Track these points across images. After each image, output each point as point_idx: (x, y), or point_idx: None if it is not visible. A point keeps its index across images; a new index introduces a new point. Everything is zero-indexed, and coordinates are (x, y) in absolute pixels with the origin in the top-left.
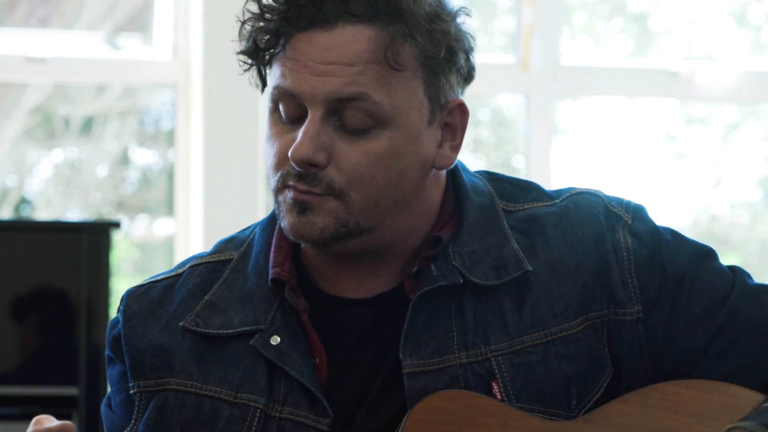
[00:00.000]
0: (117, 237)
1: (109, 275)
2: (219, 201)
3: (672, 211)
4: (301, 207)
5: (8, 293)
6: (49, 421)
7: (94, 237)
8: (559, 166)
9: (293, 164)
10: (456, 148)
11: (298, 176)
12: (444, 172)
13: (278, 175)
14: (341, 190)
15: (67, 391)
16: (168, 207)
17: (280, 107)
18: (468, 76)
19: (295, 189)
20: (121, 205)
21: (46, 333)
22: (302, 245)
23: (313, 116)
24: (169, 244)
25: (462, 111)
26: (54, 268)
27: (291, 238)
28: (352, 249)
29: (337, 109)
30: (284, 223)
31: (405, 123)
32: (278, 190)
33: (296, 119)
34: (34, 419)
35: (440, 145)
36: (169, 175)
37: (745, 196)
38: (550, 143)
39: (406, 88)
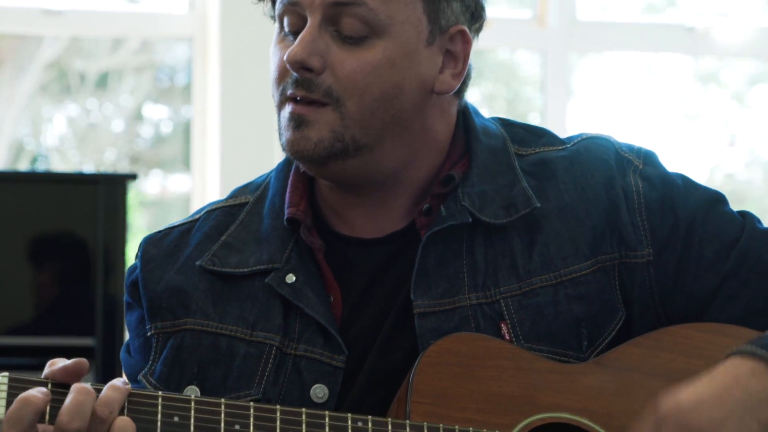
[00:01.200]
0: (132, 191)
1: (126, 226)
2: (235, 157)
3: (687, 169)
4: (297, 121)
5: (26, 244)
6: (63, 362)
7: (111, 188)
8: (573, 122)
9: (289, 68)
10: (458, 75)
11: (296, 83)
12: (454, 110)
13: (280, 88)
14: (338, 98)
15: (83, 341)
16: (184, 163)
17: (285, 22)
18: (476, 13)
19: (294, 99)
20: (135, 161)
21: (63, 284)
22: (317, 183)
23: (311, 22)
24: (185, 200)
25: (464, 39)
26: (71, 219)
27: (289, 155)
28: (353, 173)
29: (334, 17)
30: (282, 140)
31: (400, 35)
32: (280, 104)
33: (298, 32)
34: (49, 362)
35: (441, 71)
36: (185, 130)
37: (760, 154)
38: (565, 99)
39: (402, 1)
